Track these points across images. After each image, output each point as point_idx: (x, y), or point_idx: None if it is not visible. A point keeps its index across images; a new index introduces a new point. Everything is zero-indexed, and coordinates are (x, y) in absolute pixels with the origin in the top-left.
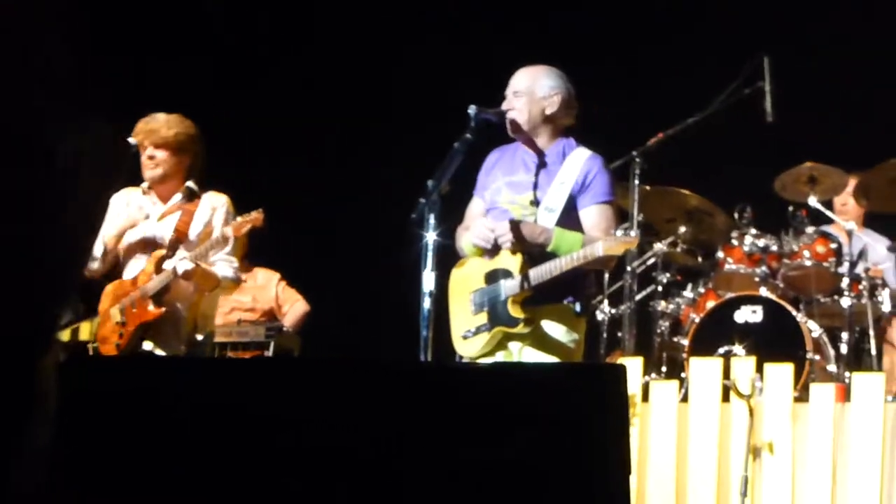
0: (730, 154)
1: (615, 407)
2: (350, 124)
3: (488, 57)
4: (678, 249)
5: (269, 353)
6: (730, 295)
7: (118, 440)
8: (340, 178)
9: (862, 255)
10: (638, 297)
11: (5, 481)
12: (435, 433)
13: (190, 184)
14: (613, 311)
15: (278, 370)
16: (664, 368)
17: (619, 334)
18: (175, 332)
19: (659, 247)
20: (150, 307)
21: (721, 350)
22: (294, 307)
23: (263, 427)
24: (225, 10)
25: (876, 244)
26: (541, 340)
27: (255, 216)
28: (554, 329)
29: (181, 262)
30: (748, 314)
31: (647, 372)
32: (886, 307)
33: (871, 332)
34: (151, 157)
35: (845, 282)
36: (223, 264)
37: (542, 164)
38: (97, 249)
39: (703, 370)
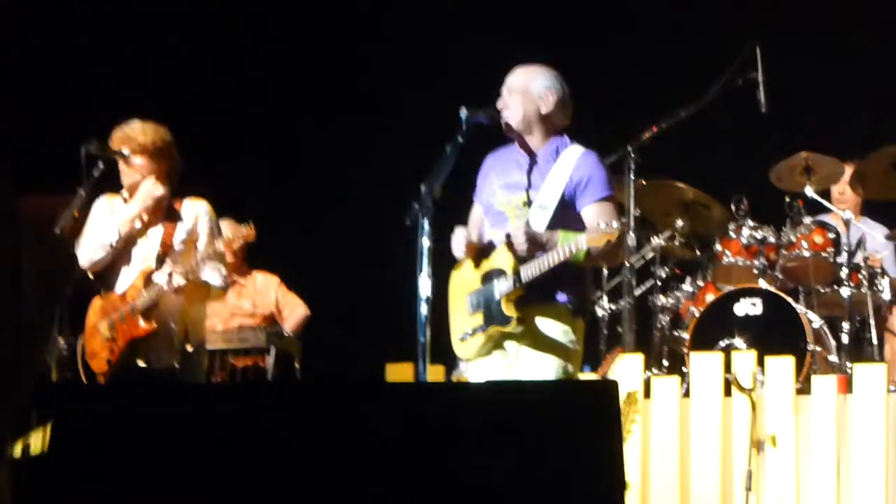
0: (724, 146)
1: (608, 423)
2: (344, 128)
3: (481, 57)
4: (676, 243)
5: (270, 358)
6: (729, 288)
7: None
8: (337, 182)
9: (860, 244)
10: (637, 292)
11: None
12: (427, 452)
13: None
14: (613, 306)
15: (271, 394)
16: (665, 363)
17: (619, 330)
18: (167, 345)
19: (656, 241)
20: (141, 323)
21: (722, 343)
22: (294, 312)
23: (256, 449)
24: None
25: (874, 232)
26: (537, 339)
27: (247, 232)
28: (550, 328)
29: (172, 277)
30: (748, 307)
31: (648, 367)
32: (886, 296)
33: (872, 322)
34: (129, 165)
35: (844, 271)
36: (211, 272)
37: (534, 164)
38: (109, 238)
39: (704, 365)
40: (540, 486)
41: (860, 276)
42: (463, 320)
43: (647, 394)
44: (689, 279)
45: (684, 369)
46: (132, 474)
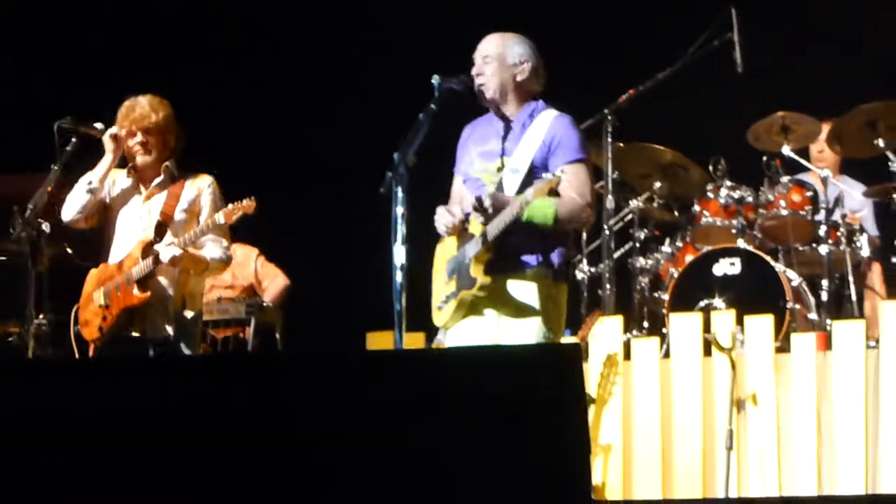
0: (702, 107)
1: (570, 387)
2: (318, 99)
3: (455, 24)
4: (654, 205)
5: (251, 328)
6: (707, 248)
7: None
8: (313, 152)
9: (838, 201)
10: (616, 255)
11: None
12: (388, 420)
13: (169, 164)
14: (592, 269)
15: (245, 367)
16: (645, 324)
17: (599, 292)
18: (162, 313)
19: (635, 203)
20: (135, 291)
21: (701, 304)
22: (274, 282)
23: (234, 422)
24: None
25: (852, 191)
26: (514, 305)
27: (248, 203)
28: (527, 293)
29: (168, 247)
30: (727, 266)
31: (628, 329)
32: (865, 252)
33: (851, 279)
34: (143, 143)
35: (822, 229)
36: (212, 245)
37: (509, 130)
38: (79, 199)
39: (683, 326)
40: (501, 453)
41: (838, 234)
42: (441, 288)
43: (627, 355)
44: (667, 240)
45: (664, 330)
46: (101, 449)
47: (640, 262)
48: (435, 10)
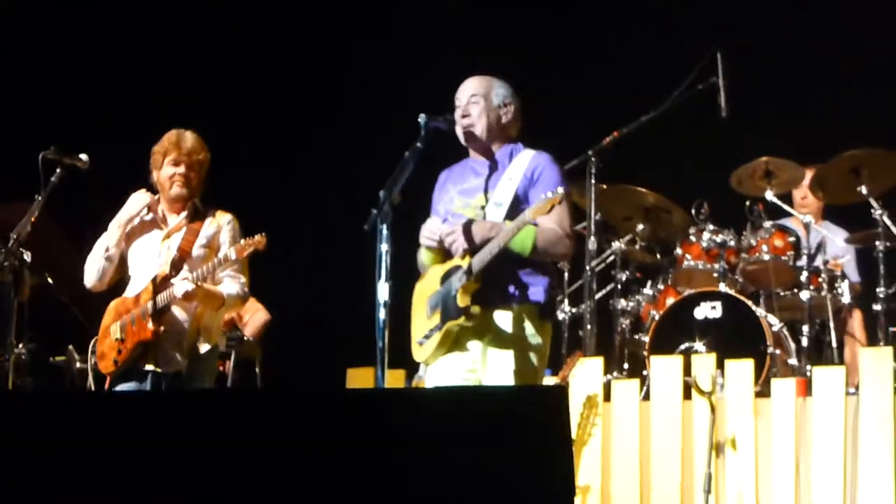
0: (685, 151)
1: (556, 429)
2: (303, 134)
3: (439, 64)
4: (637, 247)
5: (231, 362)
6: (689, 291)
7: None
8: (296, 188)
9: (820, 247)
10: (598, 296)
11: None
12: (376, 459)
13: (196, 201)
14: (574, 309)
15: (229, 402)
16: (626, 366)
17: (580, 333)
18: (177, 347)
19: (617, 245)
20: (150, 325)
21: (682, 347)
22: (255, 316)
23: (212, 458)
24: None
25: (834, 237)
26: (502, 338)
27: (259, 239)
28: (515, 326)
29: (182, 282)
30: (708, 310)
31: (608, 370)
32: (846, 299)
33: (832, 325)
34: (186, 177)
35: (804, 275)
36: (230, 281)
37: (491, 168)
38: (96, 266)
39: (664, 368)
40: (487, 495)
41: (820, 280)
42: (422, 325)
43: (607, 397)
44: (649, 283)
45: (644, 372)
46: (71, 484)
47: (622, 303)
48: (421, 50)
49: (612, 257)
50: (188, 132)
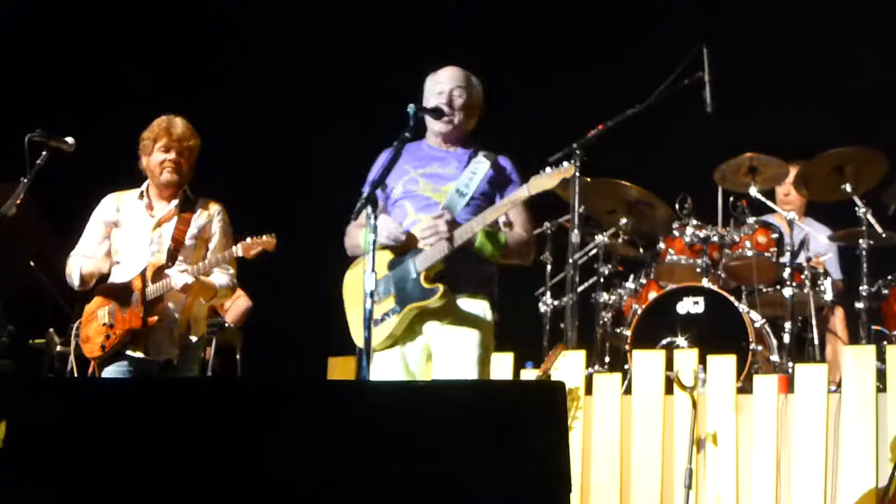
0: (670, 145)
1: (554, 425)
2: (288, 123)
3: (427, 54)
4: (620, 241)
5: (212, 349)
6: (671, 286)
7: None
8: (282, 175)
9: (803, 244)
10: (580, 289)
11: None
12: (374, 451)
13: (187, 190)
14: (556, 302)
15: (201, 391)
16: (607, 360)
17: (562, 326)
18: (168, 337)
19: (600, 238)
20: (144, 315)
21: (663, 341)
22: (236, 303)
23: (204, 446)
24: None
25: (818, 234)
26: (459, 316)
27: (269, 240)
28: (476, 311)
29: (181, 275)
30: (690, 305)
31: (589, 364)
32: (828, 297)
33: (814, 322)
34: (177, 163)
35: (787, 271)
36: (220, 272)
37: (457, 158)
38: (75, 272)
39: (645, 362)
40: (485, 487)
41: (803, 277)
42: (367, 309)
43: (588, 390)
44: (632, 277)
45: (626, 366)
46: (85, 469)
47: (604, 297)
48: (409, 40)
49: (594, 250)
50: (178, 118)
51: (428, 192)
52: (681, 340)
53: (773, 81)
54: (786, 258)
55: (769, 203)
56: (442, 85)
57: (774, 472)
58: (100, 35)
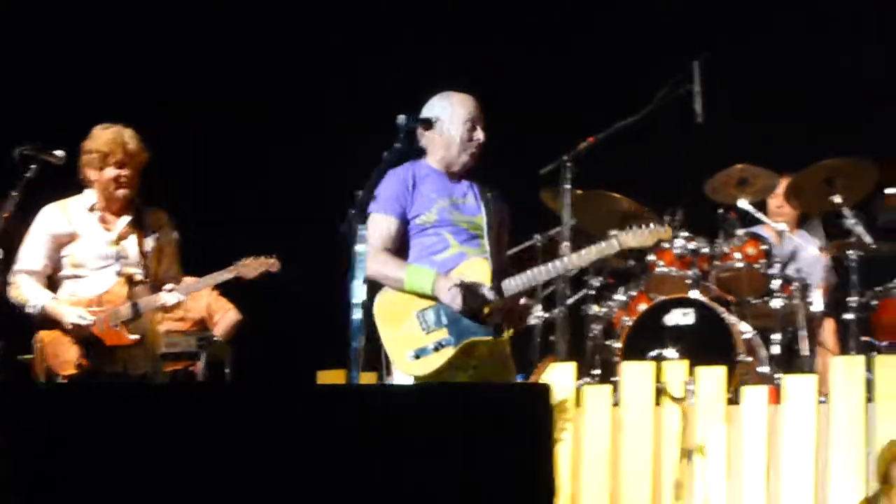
0: (661, 157)
1: (539, 427)
2: (279, 134)
3: (419, 64)
4: None
5: (201, 363)
6: (661, 298)
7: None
8: (270, 187)
9: (793, 256)
10: (570, 301)
11: None
12: (354, 457)
13: (138, 202)
14: (546, 315)
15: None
16: (597, 372)
17: (552, 338)
18: (143, 351)
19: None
20: (125, 332)
21: (653, 353)
22: (225, 316)
23: (197, 450)
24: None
25: (808, 245)
26: (505, 357)
27: (272, 262)
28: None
29: (171, 294)
30: (679, 317)
31: (580, 376)
32: (818, 308)
33: (804, 334)
34: (130, 178)
35: (776, 283)
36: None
37: (468, 189)
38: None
39: (635, 374)
40: (469, 492)
41: (792, 288)
42: (411, 339)
43: (578, 402)
44: (621, 289)
45: (616, 378)
46: (75, 475)
47: (594, 309)
48: (401, 49)
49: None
50: (127, 130)
51: (463, 223)
52: (670, 352)
53: (763, 93)
54: (775, 269)
55: (759, 214)
56: (471, 113)
57: (764, 482)
58: (97, 37)
